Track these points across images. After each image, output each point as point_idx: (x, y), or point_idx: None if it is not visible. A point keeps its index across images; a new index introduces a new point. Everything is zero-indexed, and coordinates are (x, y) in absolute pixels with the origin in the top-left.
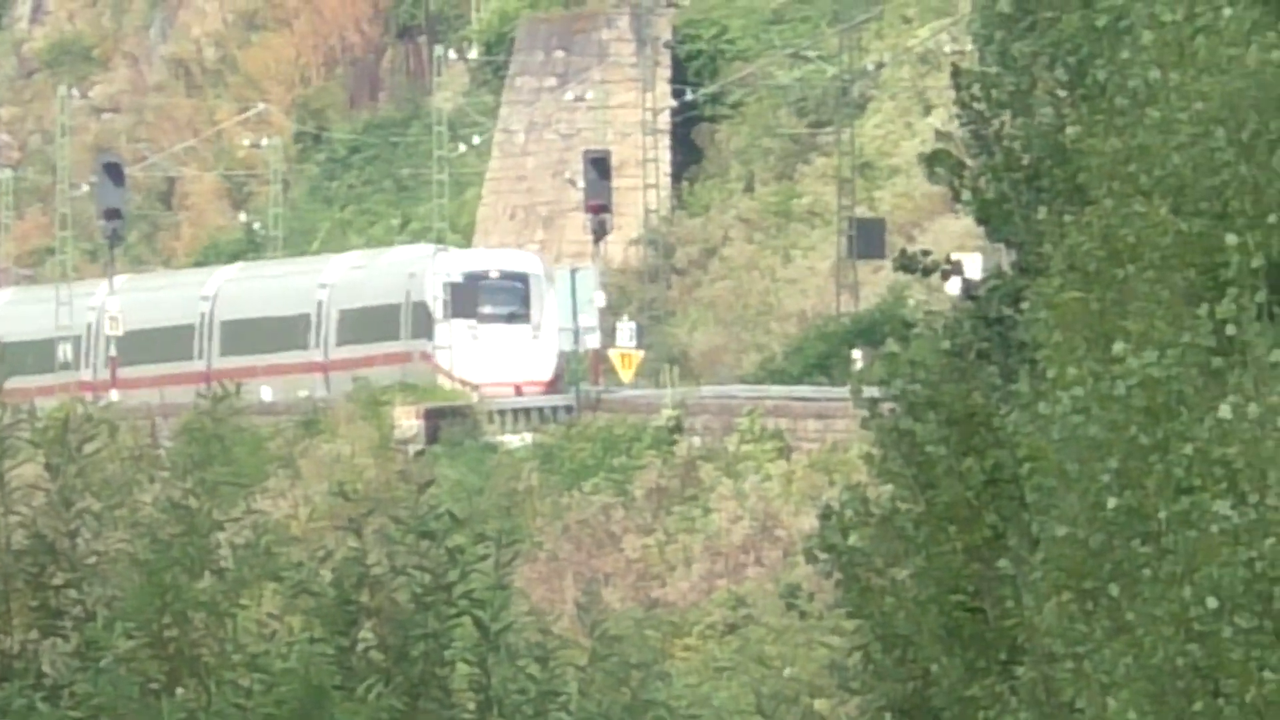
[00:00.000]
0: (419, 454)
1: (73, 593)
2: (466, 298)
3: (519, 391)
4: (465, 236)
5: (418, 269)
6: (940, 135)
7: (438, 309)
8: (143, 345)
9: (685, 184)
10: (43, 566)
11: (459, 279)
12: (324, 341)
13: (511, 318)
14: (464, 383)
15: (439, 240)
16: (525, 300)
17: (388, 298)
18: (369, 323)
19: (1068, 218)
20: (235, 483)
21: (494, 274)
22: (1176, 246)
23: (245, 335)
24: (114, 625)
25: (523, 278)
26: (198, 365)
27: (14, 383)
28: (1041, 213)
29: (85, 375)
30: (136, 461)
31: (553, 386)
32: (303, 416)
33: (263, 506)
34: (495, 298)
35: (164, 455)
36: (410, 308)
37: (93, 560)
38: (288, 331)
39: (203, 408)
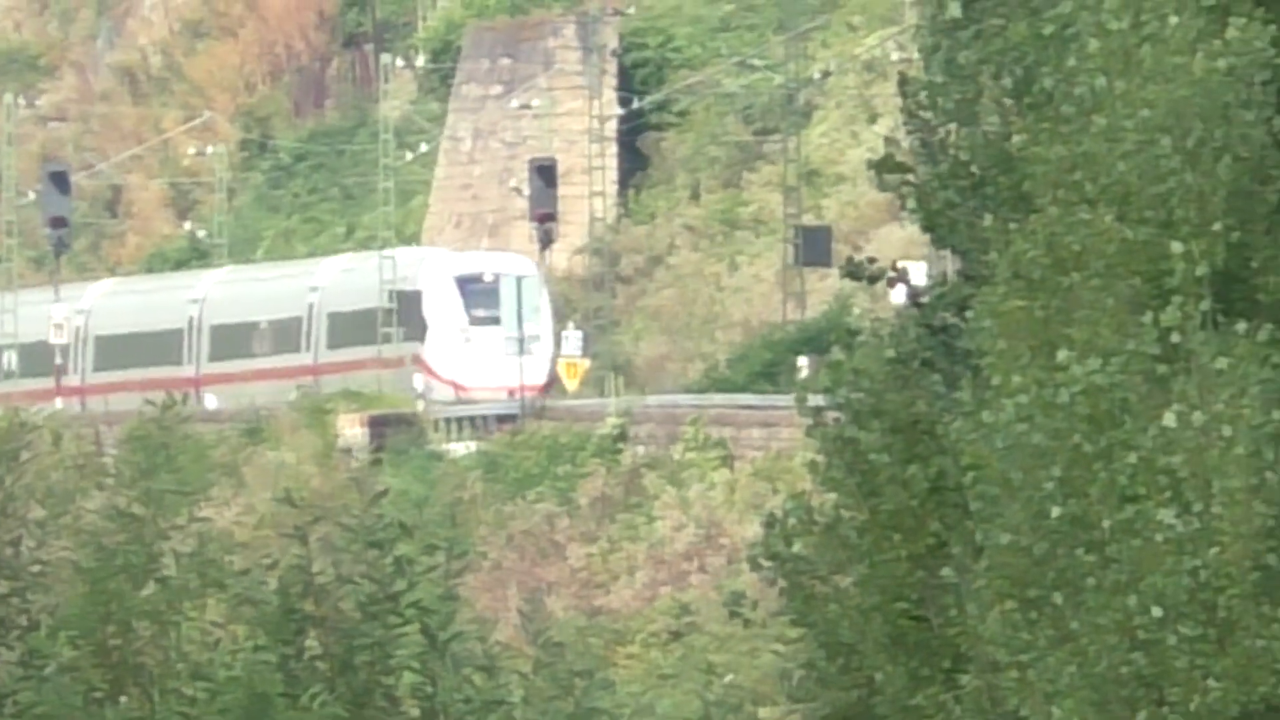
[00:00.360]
0: (374, 461)
1: (16, 601)
2: (459, 300)
3: (513, 395)
4: (412, 245)
5: (410, 272)
6: (888, 142)
7: (430, 312)
8: (126, 350)
9: (631, 192)
10: None
11: (453, 281)
12: (315, 345)
13: (495, 321)
14: (456, 386)
15: (384, 248)
16: (519, 303)
17: (380, 301)
18: (361, 326)
19: (1013, 226)
20: (181, 492)
21: (488, 276)
22: (1121, 254)
23: (235, 339)
24: (57, 634)
25: (516, 280)
26: (186, 371)
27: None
28: (987, 220)
29: (74, 380)
30: (80, 470)
31: (547, 391)
32: (247, 425)
33: (206, 515)
34: (489, 301)
35: (109, 464)
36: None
37: (36, 569)
38: (278, 335)
39: (148, 415)
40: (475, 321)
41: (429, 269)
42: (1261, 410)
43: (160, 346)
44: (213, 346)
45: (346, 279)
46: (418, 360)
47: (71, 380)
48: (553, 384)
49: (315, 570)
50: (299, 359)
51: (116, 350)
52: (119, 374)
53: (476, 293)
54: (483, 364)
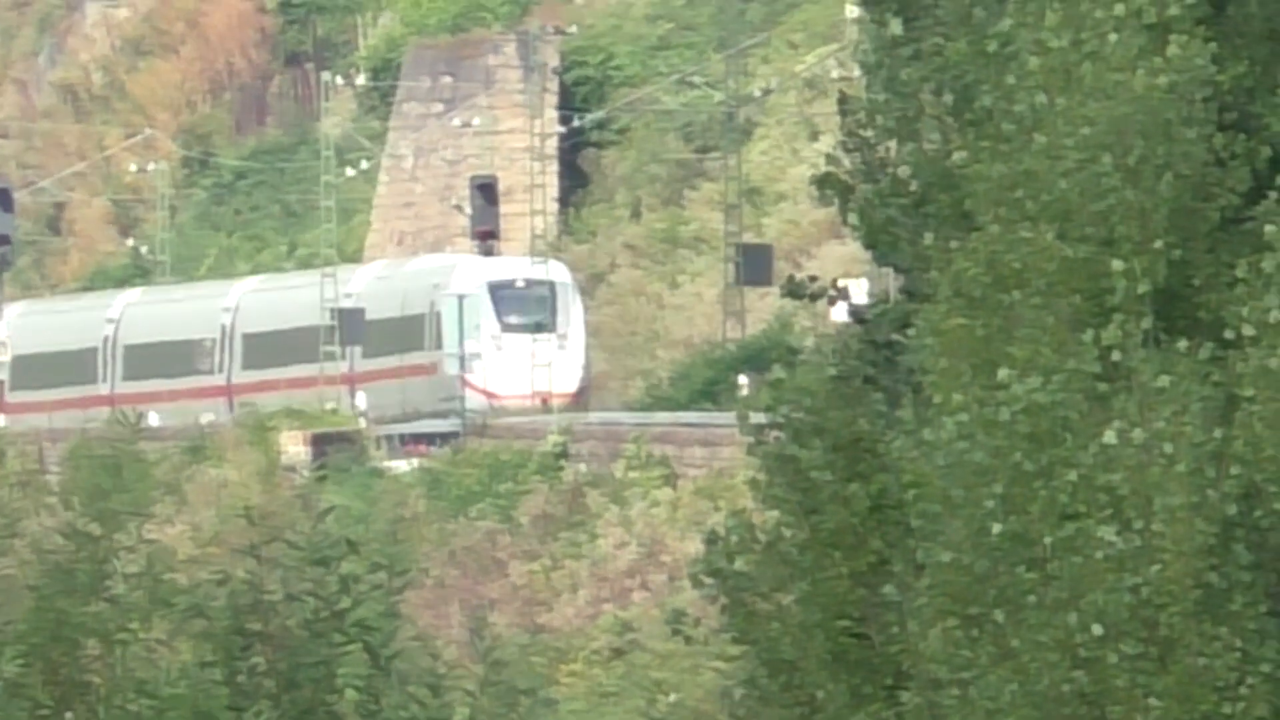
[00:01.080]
0: (320, 478)
1: None
2: (493, 307)
3: (545, 403)
4: (353, 262)
5: (441, 279)
6: (830, 159)
7: (461, 319)
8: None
9: (572, 210)
10: None
11: (483, 288)
12: (350, 353)
13: (537, 327)
14: (487, 394)
15: (327, 265)
16: (552, 309)
17: (412, 308)
18: (393, 334)
19: (954, 243)
20: (135, 512)
21: (520, 283)
22: (1062, 272)
23: (265, 348)
24: (3, 651)
25: (549, 286)
26: (217, 379)
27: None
28: (928, 238)
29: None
30: (24, 487)
31: (580, 398)
32: (189, 442)
33: (150, 533)
34: (520, 307)
35: (52, 481)
36: (434, 318)
37: None
38: (308, 343)
39: (94, 433)
40: (507, 329)
41: (459, 275)
42: (1202, 428)
43: (77, 365)
44: (126, 367)
45: (379, 287)
46: (444, 368)
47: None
48: (586, 391)
49: (264, 588)
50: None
51: (37, 369)
52: (40, 394)
53: (508, 299)
54: (515, 371)
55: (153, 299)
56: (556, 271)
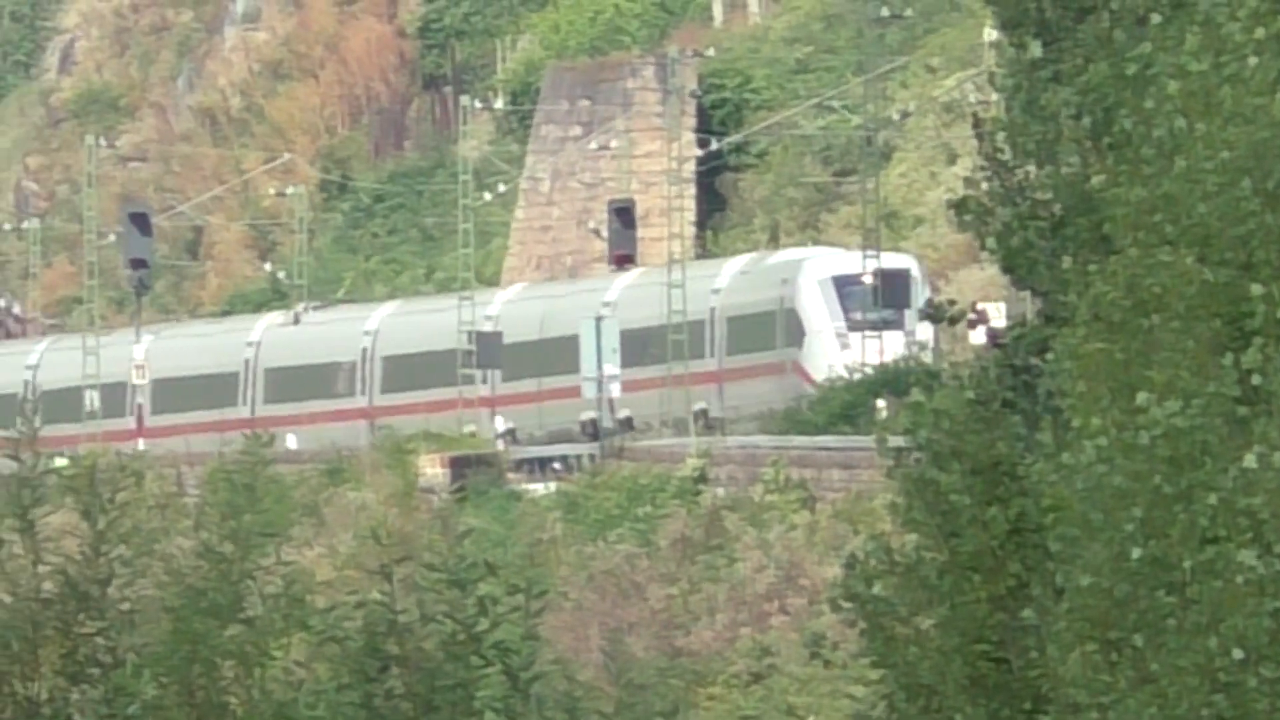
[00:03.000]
0: (459, 499)
1: (102, 640)
2: (838, 302)
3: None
4: (491, 286)
5: (790, 274)
6: (968, 183)
7: (809, 315)
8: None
9: (710, 233)
10: (73, 615)
11: (830, 283)
12: (718, 350)
13: (886, 324)
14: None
15: (464, 289)
16: (900, 305)
17: (764, 305)
18: (748, 332)
19: (1093, 267)
20: (268, 532)
21: (866, 277)
22: (1201, 296)
23: (405, 371)
24: (142, 672)
25: (900, 279)
26: (448, 393)
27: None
28: (1066, 262)
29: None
30: (162, 510)
31: None
32: (327, 465)
33: (288, 555)
34: (869, 302)
35: (190, 504)
36: (784, 315)
37: (125, 607)
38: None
39: (230, 456)
40: (853, 325)
41: (806, 271)
42: None
43: (218, 388)
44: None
45: (739, 283)
46: (797, 367)
47: (154, 421)
48: None
49: (400, 609)
50: (702, 365)
51: (177, 392)
52: (180, 416)
53: (854, 295)
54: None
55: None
56: (906, 264)
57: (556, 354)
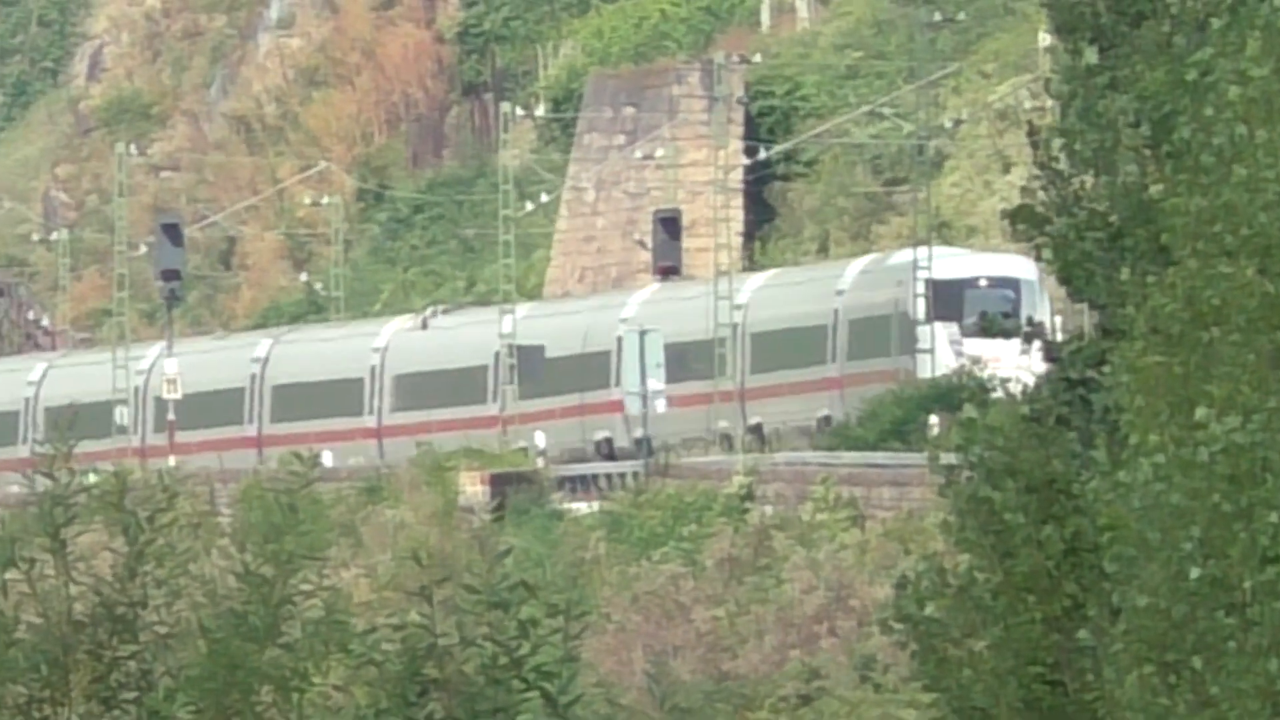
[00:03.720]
0: (497, 519)
1: (135, 664)
2: (951, 306)
3: None
4: (533, 299)
5: (906, 275)
6: (1024, 192)
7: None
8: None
9: (758, 244)
10: (106, 638)
11: (943, 285)
12: (839, 354)
13: (1003, 332)
14: None
15: (505, 301)
16: (1016, 309)
17: (882, 309)
18: (866, 337)
19: (1151, 279)
20: (310, 556)
21: (983, 281)
22: (1263, 309)
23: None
24: (175, 696)
25: (1014, 284)
26: (604, 396)
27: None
28: (1124, 273)
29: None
30: (195, 529)
31: None
32: (365, 483)
33: (325, 577)
34: (983, 306)
35: (224, 523)
36: (899, 319)
37: (161, 630)
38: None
39: (268, 475)
40: (968, 332)
41: (922, 273)
42: None
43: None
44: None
45: (863, 280)
46: (910, 375)
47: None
48: None
49: (439, 632)
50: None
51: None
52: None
53: (972, 299)
54: None
55: (303, 336)
56: (1022, 268)
57: (595, 369)
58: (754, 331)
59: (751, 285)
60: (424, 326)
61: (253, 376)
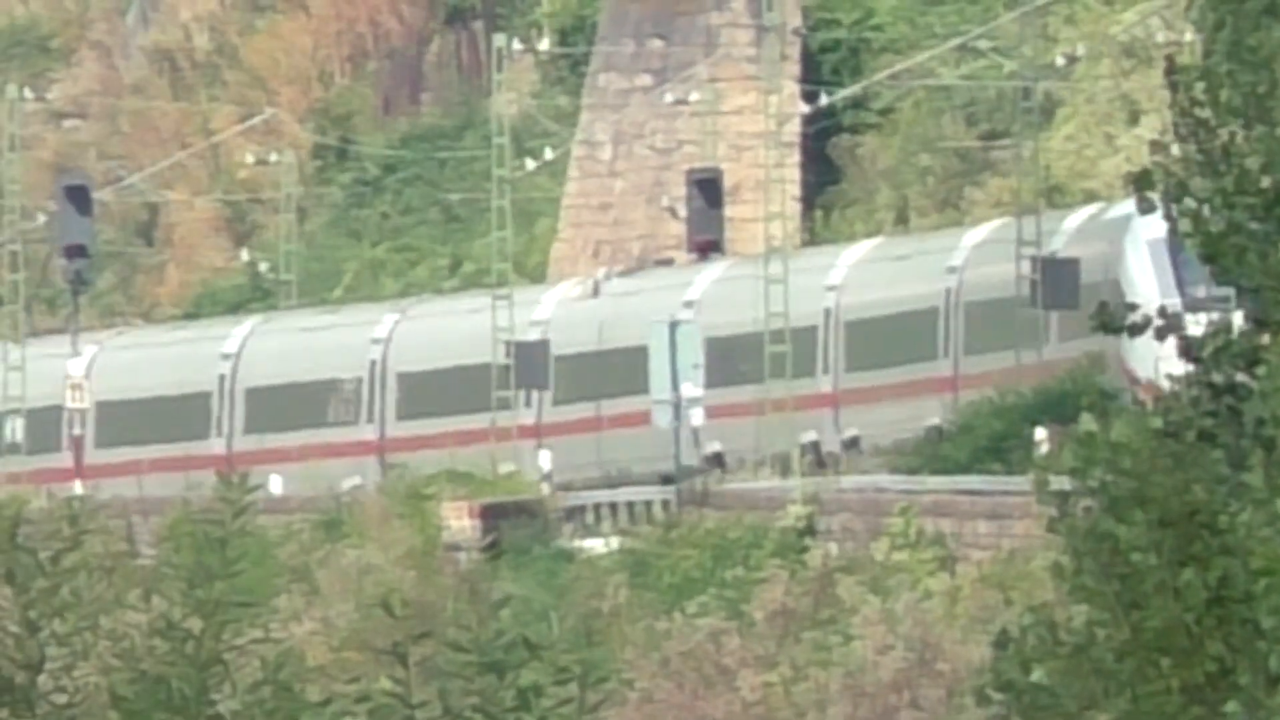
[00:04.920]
0: (491, 559)
1: None
2: (1172, 273)
3: None
4: (535, 280)
5: (1118, 235)
6: (1154, 147)
7: (1138, 289)
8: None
9: (819, 213)
10: None
11: (1164, 246)
12: (952, 348)
13: (1228, 301)
14: (1147, 387)
15: (500, 284)
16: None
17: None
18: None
19: None
20: (247, 602)
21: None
22: None
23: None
24: None
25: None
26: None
27: None
28: None
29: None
30: (108, 574)
31: None
32: (322, 515)
33: (275, 634)
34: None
35: (144, 566)
36: (1108, 286)
37: (61, 700)
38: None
39: (198, 505)
40: (1191, 305)
41: (1135, 230)
42: None
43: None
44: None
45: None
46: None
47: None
48: None
49: (416, 702)
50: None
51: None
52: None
53: (1194, 262)
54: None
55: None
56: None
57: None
58: (849, 320)
59: (848, 260)
60: (595, 294)
61: (221, 377)
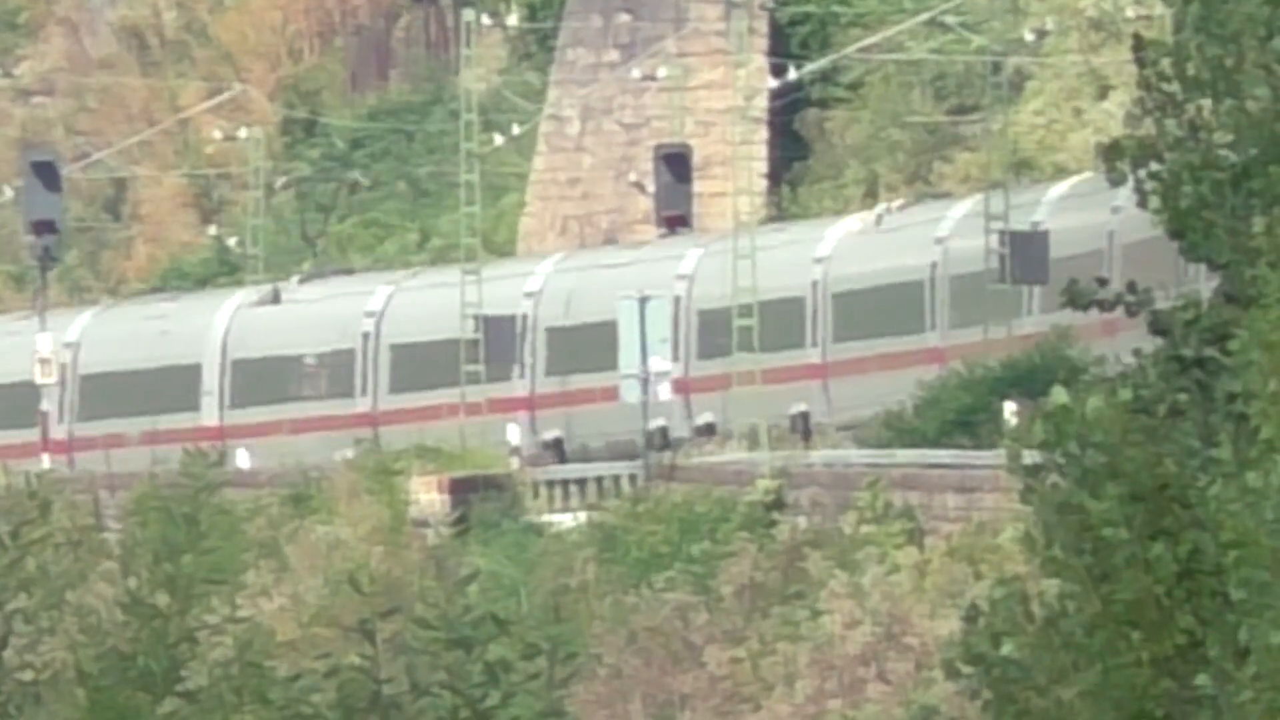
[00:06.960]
0: (459, 534)
1: None
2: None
3: None
4: (504, 255)
5: (1125, 202)
6: (1129, 118)
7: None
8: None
9: (787, 188)
10: None
11: None
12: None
13: None
14: None
15: (468, 259)
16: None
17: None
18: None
19: None
20: (219, 580)
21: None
22: None
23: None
24: None
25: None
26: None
27: None
28: (1256, 225)
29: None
30: (74, 548)
31: None
32: (291, 490)
33: (240, 608)
34: None
35: (111, 541)
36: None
37: (27, 677)
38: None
39: (166, 479)
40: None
41: None
42: None
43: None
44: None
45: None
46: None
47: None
48: None
49: (384, 677)
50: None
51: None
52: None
53: None
54: None
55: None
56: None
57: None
58: (836, 292)
59: (836, 233)
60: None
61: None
